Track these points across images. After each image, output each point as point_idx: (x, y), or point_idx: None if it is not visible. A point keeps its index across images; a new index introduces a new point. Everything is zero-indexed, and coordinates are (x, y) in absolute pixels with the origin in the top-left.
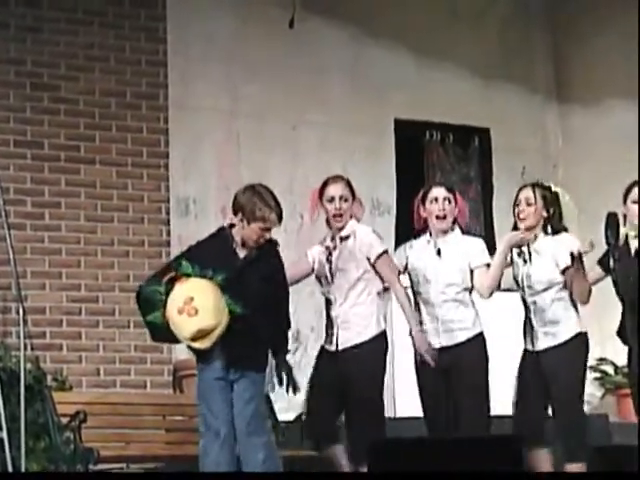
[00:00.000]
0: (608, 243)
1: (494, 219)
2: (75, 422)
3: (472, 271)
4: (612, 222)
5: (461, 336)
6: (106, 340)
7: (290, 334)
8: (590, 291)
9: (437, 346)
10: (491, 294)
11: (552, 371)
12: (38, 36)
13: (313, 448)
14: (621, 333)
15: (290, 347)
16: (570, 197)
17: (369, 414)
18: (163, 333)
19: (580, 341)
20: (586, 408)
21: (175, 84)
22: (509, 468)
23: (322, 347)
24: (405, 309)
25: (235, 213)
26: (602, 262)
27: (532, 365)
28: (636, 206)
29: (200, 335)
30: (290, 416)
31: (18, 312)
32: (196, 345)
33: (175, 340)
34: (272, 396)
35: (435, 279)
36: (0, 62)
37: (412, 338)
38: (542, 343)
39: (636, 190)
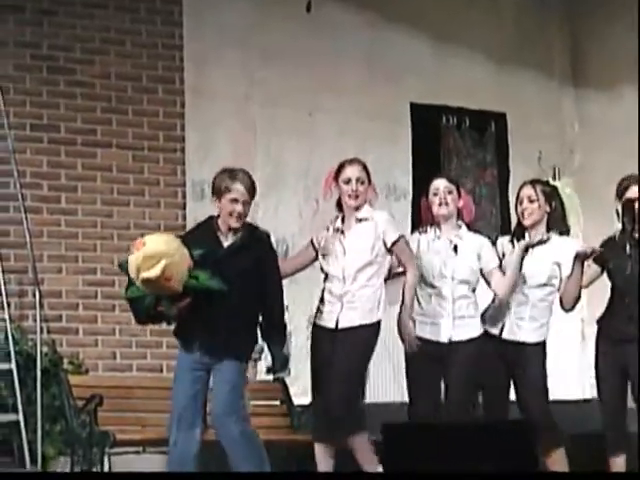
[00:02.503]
0: (624, 229)
1: (510, 204)
2: (91, 405)
3: (486, 275)
4: (629, 208)
5: (471, 333)
6: (122, 324)
7: (287, 325)
8: (579, 298)
9: (446, 340)
10: (509, 296)
11: (517, 364)
12: (54, 19)
13: (327, 436)
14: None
15: (286, 338)
16: (571, 190)
17: (349, 390)
18: (143, 307)
19: (541, 348)
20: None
21: (191, 68)
22: (521, 453)
23: (316, 325)
24: (409, 293)
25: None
26: (597, 259)
27: (497, 350)
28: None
29: (147, 263)
30: (306, 400)
31: (34, 296)
32: (144, 275)
33: (159, 315)
34: (287, 380)
35: (451, 275)
36: (16, 46)
37: (400, 321)
38: (511, 334)
39: (633, 188)
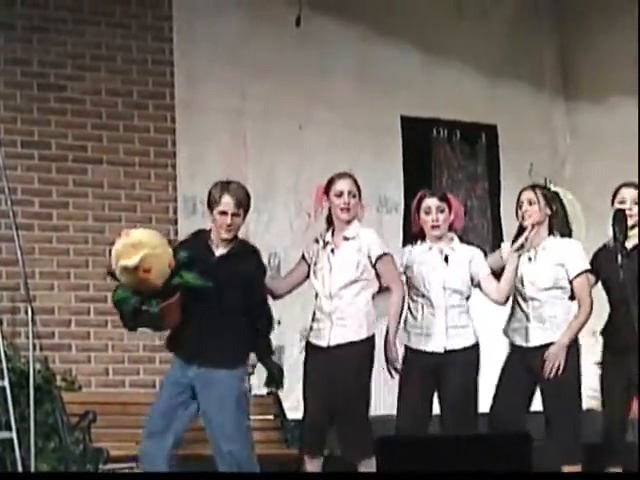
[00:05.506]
0: (616, 239)
1: (501, 216)
2: (84, 422)
3: (480, 282)
4: (620, 218)
5: (465, 342)
6: (115, 340)
7: (274, 337)
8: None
9: (442, 350)
10: (507, 300)
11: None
12: (44, 36)
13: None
14: (604, 333)
15: (274, 349)
16: (573, 196)
17: (353, 414)
18: (128, 308)
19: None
20: (595, 404)
21: (182, 84)
22: (517, 466)
23: (309, 343)
24: (394, 313)
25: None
26: (592, 271)
27: (521, 361)
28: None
29: (127, 252)
30: (299, 414)
31: (27, 312)
32: (122, 262)
33: (145, 318)
34: (281, 394)
35: (442, 286)
36: (6, 63)
37: (386, 342)
38: (537, 340)
39: (622, 192)
